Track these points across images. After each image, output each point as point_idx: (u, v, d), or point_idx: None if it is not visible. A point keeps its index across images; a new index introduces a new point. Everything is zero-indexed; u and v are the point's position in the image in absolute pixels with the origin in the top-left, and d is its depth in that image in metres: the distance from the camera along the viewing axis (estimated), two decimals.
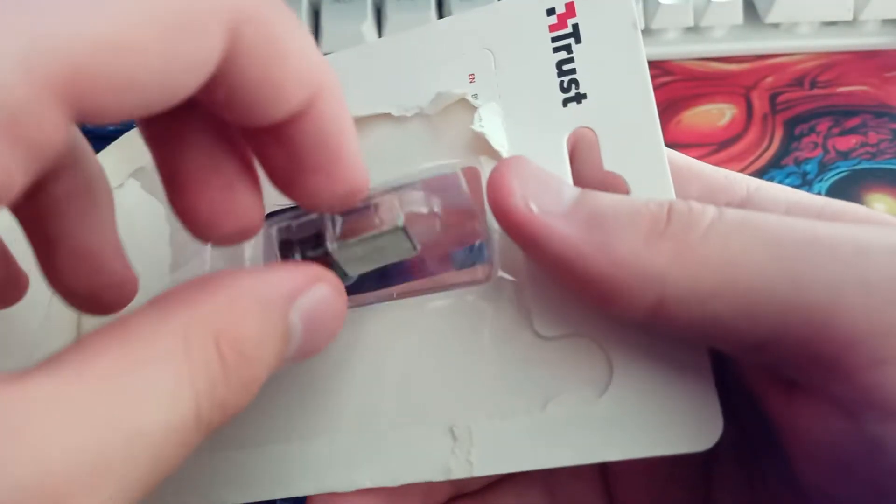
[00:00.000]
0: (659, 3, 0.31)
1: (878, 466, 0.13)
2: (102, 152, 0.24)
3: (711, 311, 0.14)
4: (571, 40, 0.17)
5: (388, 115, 0.19)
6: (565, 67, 0.17)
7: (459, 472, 0.16)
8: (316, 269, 0.15)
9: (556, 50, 0.17)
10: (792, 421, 0.15)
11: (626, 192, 0.16)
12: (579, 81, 0.17)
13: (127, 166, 0.23)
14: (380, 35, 0.32)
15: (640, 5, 0.32)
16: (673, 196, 0.16)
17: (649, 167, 0.16)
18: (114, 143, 0.24)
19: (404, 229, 0.16)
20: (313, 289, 0.14)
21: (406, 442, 0.17)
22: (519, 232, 0.15)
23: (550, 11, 0.17)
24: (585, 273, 0.14)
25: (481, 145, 0.18)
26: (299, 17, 0.32)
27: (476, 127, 0.17)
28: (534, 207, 0.15)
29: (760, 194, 0.17)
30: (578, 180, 0.17)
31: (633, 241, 0.14)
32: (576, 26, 0.17)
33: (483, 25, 0.18)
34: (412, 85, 0.18)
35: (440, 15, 0.32)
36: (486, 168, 0.18)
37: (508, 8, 0.18)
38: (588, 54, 0.17)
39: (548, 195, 0.15)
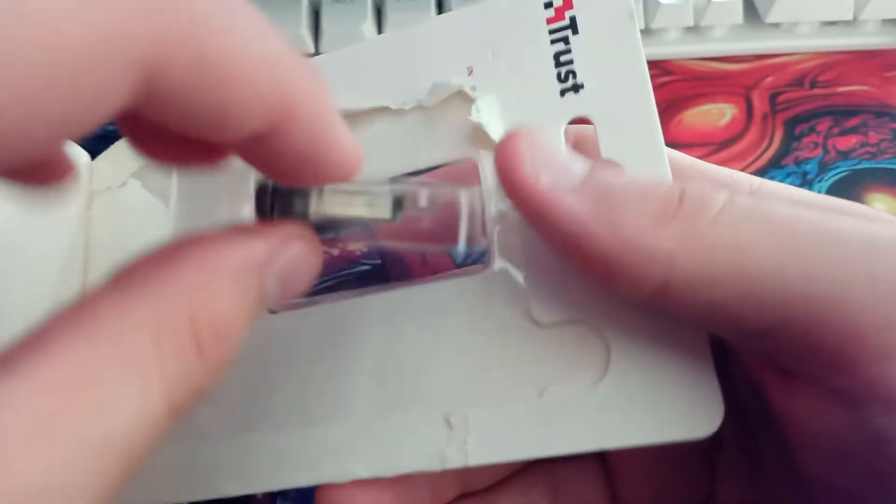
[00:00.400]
0: (659, 3, 0.31)
1: (880, 458, 0.13)
2: (104, 153, 0.24)
3: (717, 297, 0.14)
4: (569, 32, 0.17)
5: (386, 109, 0.19)
6: (563, 59, 0.17)
7: (455, 461, 0.16)
8: (289, 227, 0.14)
9: (553, 42, 0.17)
10: (792, 412, 0.15)
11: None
12: (576, 72, 0.17)
13: (129, 165, 0.23)
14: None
15: (640, 5, 0.32)
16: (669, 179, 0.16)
17: (647, 155, 0.16)
18: (115, 144, 0.24)
19: (396, 198, 0.15)
20: (288, 249, 0.14)
21: (402, 431, 0.17)
22: (527, 205, 0.15)
23: (548, 5, 0.18)
24: (592, 250, 0.14)
25: (479, 136, 0.18)
26: (299, 18, 0.32)
27: (474, 118, 0.17)
28: (543, 181, 0.15)
29: (763, 191, 0.18)
30: None
31: (643, 220, 0.14)
32: (573, 19, 0.17)
33: (481, 20, 0.18)
34: (411, 79, 0.19)
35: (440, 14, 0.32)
36: (483, 159, 0.18)
37: (507, 2, 0.18)
38: (585, 45, 0.17)
39: (558, 169, 0.15)
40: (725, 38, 0.33)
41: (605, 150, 0.17)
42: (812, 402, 0.14)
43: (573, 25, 0.17)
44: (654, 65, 0.33)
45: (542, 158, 0.15)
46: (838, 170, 0.31)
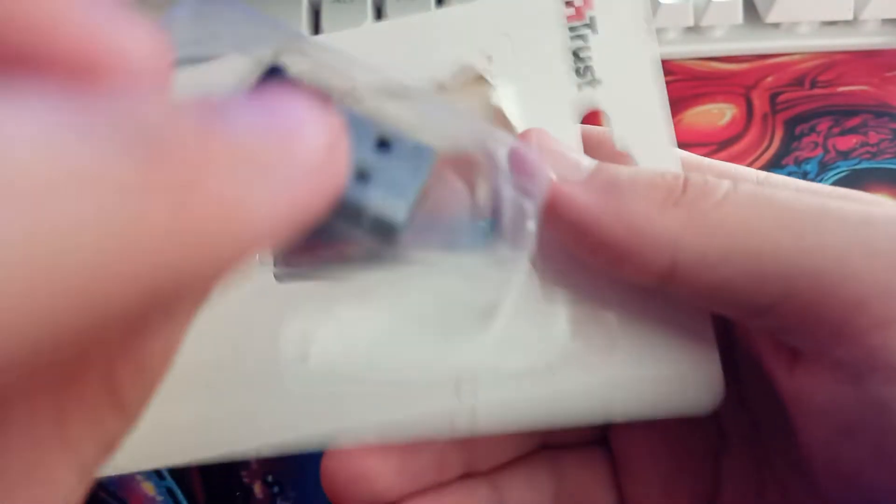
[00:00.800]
0: (659, 3, 0.31)
1: (882, 427, 0.14)
2: None
3: (721, 276, 0.14)
4: (588, 31, 0.18)
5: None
6: (581, 55, 0.18)
7: (464, 428, 0.17)
8: None
9: (573, 38, 0.18)
10: (797, 390, 0.15)
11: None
12: (594, 68, 0.18)
13: None
14: None
15: None
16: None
17: (657, 147, 0.17)
18: None
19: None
20: None
21: (412, 398, 0.17)
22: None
23: (568, 3, 0.18)
24: (601, 238, 0.15)
25: (498, 118, 0.18)
26: (299, 18, 0.31)
27: (494, 101, 0.18)
28: (553, 176, 0.16)
29: (770, 182, 0.18)
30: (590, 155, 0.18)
31: (648, 207, 0.15)
32: (592, 18, 0.18)
33: (502, 11, 0.19)
34: (428, 61, 0.19)
35: None
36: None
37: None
38: (603, 44, 0.18)
39: (567, 165, 0.16)
40: (725, 38, 0.33)
41: (619, 142, 0.18)
42: (816, 377, 0.15)
43: (592, 25, 0.18)
44: None
45: (551, 156, 0.16)
46: (838, 170, 0.31)
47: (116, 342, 0.09)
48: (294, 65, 0.12)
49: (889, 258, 0.13)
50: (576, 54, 0.18)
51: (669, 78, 0.33)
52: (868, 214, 0.14)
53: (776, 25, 0.33)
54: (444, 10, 0.19)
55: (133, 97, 0.07)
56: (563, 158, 0.16)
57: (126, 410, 0.09)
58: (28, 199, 0.06)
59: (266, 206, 0.08)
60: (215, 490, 0.26)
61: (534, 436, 0.20)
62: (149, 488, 0.26)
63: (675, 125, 0.32)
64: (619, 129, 0.18)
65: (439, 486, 0.19)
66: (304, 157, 0.08)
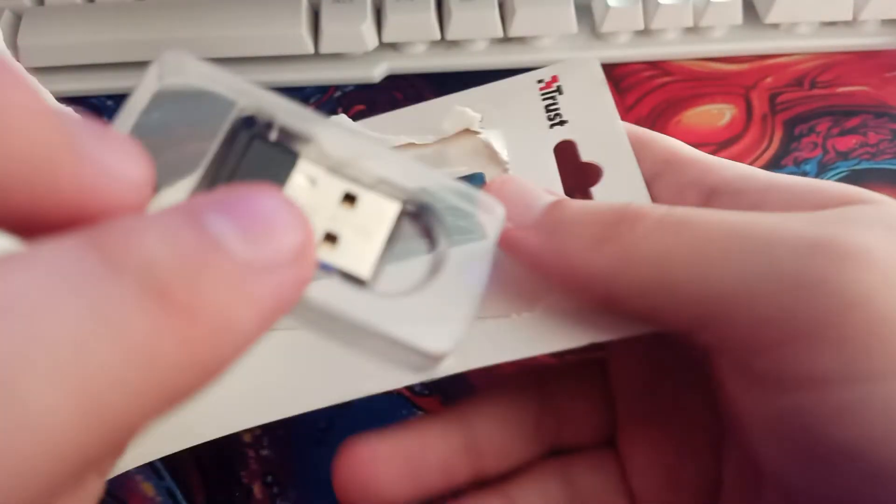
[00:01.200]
0: (659, 3, 0.31)
1: (809, 435, 0.14)
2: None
3: (650, 305, 0.16)
4: (556, 93, 0.23)
5: (411, 144, 0.23)
6: (552, 108, 0.23)
7: (455, 366, 0.18)
8: None
9: (544, 99, 0.24)
10: (735, 402, 0.16)
11: (600, 172, 0.21)
12: (562, 114, 0.23)
13: None
14: (379, 36, 0.32)
15: (640, 5, 0.32)
16: (639, 174, 0.20)
17: (617, 158, 0.21)
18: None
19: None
20: None
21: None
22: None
23: (540, 81, 0.24)
24: (550, 275, 0.17)
25: (488, 153, 0.22)
26: (299, 18, 0.32)
27: (483, 137, 0.22)
28: (508, 224, 0.17)
29: (756, 175, 0.19)
30: (563, 169, 0.21)
31: (583, 245, 0.16)
32: (559, 86, 0.24)
33: (487, 94, 0.23)
34: (431, 126, 0.23)
35: (440, 15, 0.32)
36: (489, 174, 0.22)
37: (507, 83, 0.24)
38: (569, 99, 0.23)
39: (522, 210, 0.18)
40: (725, 39, 0.33)
41: (584, 157, 0.22)
42: (748, 390, 0.16)
43: (559, 89, 0.23)
44: (653, 65, 0.33)
45: (510, 202, 0.17)
46: (838, 170, 0.31)
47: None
48: (262, 117, 0.14)
49: (788, 280, 0.14)
50: (547, 108, 0.23)
51: (669, 78, 0.33)
52: (770, 235, 0.15)
53: (775, 26, 0.33)
54: (446, 97, 0.24)
55: (128, 234, 0.09)
56: (521, 203, 0.18)
57: None
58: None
59: (254, 312, 0.09)
60: (215, 490, 0.26)
61: (542, 440, 0.21)
62: (148, 489, 0.26)
63: (675, 126, 0.32)
64: (584, 150, 0.22)
65: (450, 499, 0.19)
66: (285, 258, 0.10)
